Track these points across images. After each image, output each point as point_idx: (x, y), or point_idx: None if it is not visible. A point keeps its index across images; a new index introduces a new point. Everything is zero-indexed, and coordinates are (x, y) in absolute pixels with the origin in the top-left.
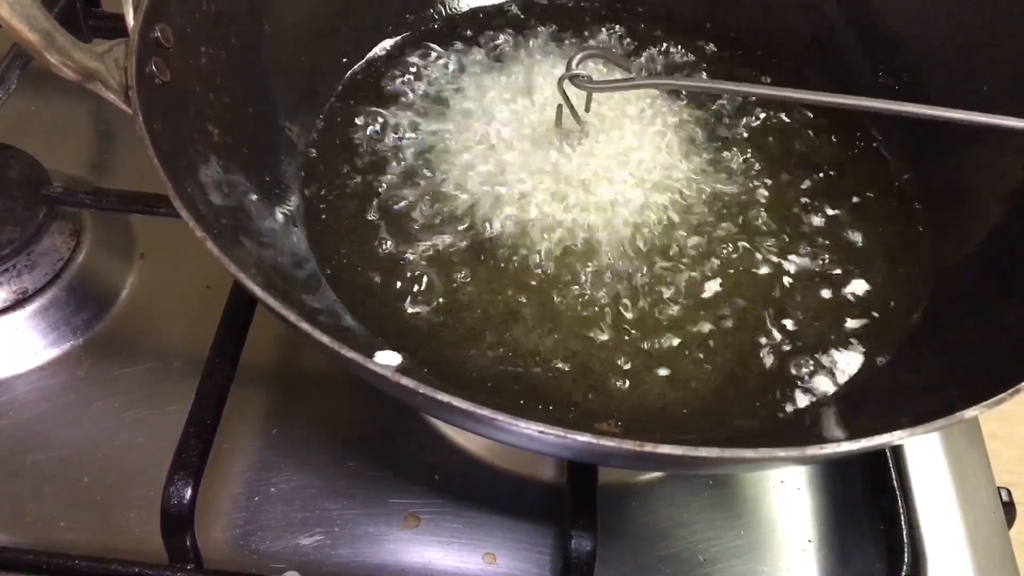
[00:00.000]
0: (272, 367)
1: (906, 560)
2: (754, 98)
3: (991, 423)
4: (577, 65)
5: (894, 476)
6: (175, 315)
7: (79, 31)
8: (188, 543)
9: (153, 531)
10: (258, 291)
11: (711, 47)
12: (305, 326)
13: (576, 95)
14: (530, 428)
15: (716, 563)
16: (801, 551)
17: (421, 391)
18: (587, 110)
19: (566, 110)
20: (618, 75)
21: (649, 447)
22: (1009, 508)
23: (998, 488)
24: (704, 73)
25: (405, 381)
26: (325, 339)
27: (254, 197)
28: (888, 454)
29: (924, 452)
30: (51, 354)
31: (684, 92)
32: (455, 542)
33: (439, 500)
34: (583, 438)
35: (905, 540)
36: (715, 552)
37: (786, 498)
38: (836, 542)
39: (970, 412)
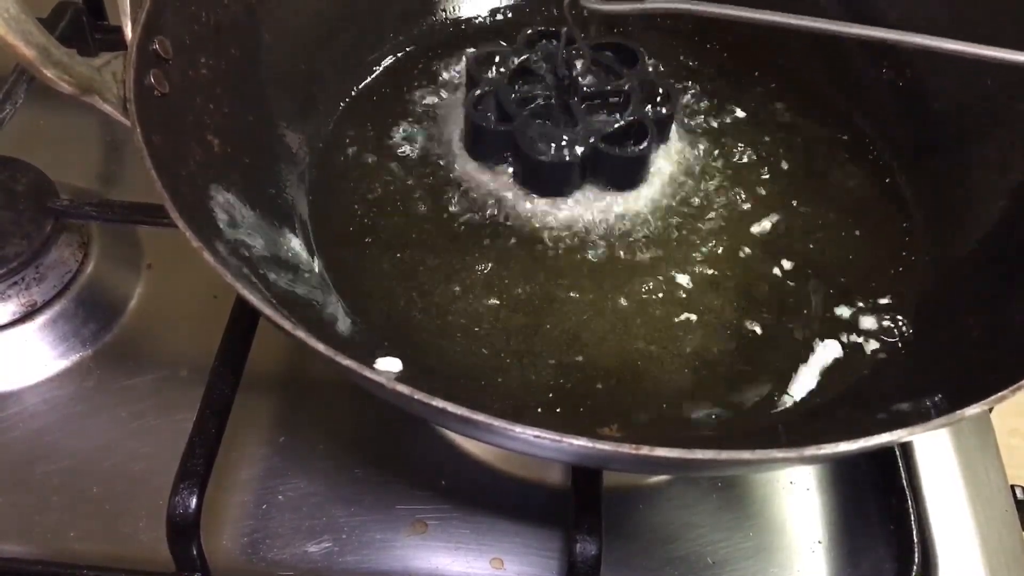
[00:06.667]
0: (280, 374)
1: (916, 560)
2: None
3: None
4: None
5: (904, 476)
6: (183, 325)
7: (85, 44)
8: (194, 551)
9: (162, 540)
10: (255, 300)
11: (710, 45)
12: (301, 334)
13: None
14: (526, 433)
15: (725, 565)
16: (811, 552)
17: (416, 397)
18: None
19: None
20: None
21: (645, 450)
22: (1023, 506)
23: (1012, 486)
24: (703, 71)
25: (400, 387)
26: (321, 347)
27: (254, 206)
28: (897, 453)
29: (934, 451)
30: (60, 365)
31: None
32: (462, 547)
33: (446, 506)
34: (579, 442)
35: (915, 540)
36: (724, 554)
37: (795, 499)
38: (846, 543)
39: (971, 410)
